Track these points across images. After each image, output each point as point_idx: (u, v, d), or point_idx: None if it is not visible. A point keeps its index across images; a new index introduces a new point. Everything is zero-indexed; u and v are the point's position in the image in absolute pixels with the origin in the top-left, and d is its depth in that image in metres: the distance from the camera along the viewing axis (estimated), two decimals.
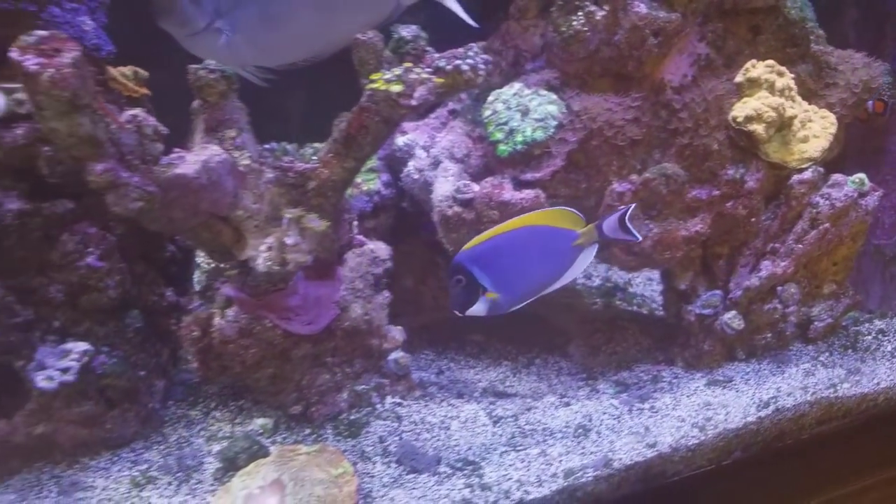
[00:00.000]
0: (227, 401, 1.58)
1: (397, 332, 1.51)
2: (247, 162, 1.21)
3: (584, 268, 1.21)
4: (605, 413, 1.47)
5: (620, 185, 1.41)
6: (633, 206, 1.20)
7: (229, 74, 1.22)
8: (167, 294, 1.57)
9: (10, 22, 1.24)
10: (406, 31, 1.20)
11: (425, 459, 1.35)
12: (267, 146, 1.30)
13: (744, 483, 1.39)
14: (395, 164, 1.64)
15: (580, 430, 1.41)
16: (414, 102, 1.11)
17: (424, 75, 1.11)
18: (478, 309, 1.16)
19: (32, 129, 1.31)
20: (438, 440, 1.42)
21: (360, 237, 1.50)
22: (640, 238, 1.24)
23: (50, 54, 0.97)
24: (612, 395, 1.56)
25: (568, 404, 1.52)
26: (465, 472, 1.32)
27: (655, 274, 2.09)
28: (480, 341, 1.80)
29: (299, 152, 1.28)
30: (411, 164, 1.50)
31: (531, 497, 1.25)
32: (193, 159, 1.14)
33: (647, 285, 2.11)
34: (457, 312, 1.17)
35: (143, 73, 1.43)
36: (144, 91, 1.43)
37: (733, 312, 1.58)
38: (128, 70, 1.42)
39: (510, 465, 1.33)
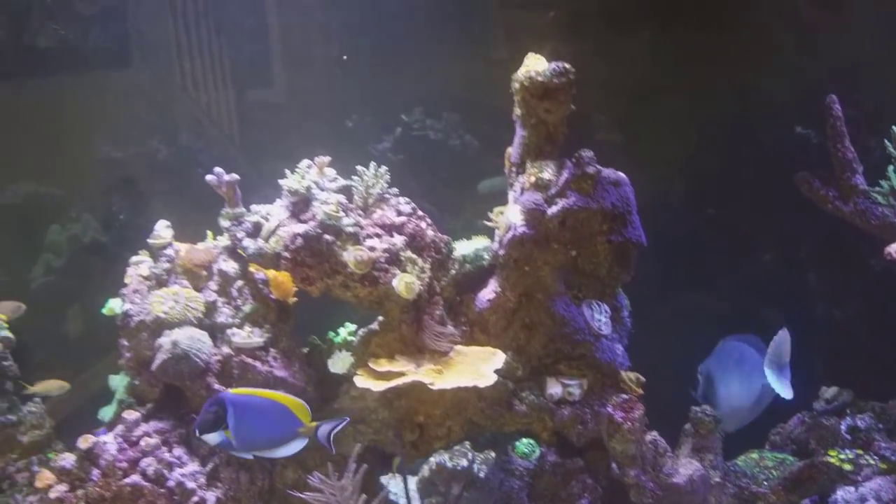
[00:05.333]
0: None
1: None
2: (718, 480, 1.74)
3: (295, 451, 1.58)
4: None
5: None
6: (344, 423, 1.57)
7: (719, 418, 1.78)
8: None
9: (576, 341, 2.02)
10: (861, 422, 1.61)
11: None
12: (734, 467, 1.81)
13: None
14: None
15: None
16: (860, 479, 1.51)
17: (871, 461, 1.51)
18: (211, 438, 1.55)
19: (573, 411, 2.05)
20: None
21: None
22: (334, 451, 1.58)
23: (627, 409, 1.66)
24: None
25: None
26: None
27: None
28: None
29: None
30: (839, 494, 1.85)
31: None
32: (685, 473, 1.71)
33: None
34: (196, 431, 1.55)
35: (643, 378, 2.09)
36: (640, 391, 2.08)
37: None
38: (633, 375, 2.10)
39: None
